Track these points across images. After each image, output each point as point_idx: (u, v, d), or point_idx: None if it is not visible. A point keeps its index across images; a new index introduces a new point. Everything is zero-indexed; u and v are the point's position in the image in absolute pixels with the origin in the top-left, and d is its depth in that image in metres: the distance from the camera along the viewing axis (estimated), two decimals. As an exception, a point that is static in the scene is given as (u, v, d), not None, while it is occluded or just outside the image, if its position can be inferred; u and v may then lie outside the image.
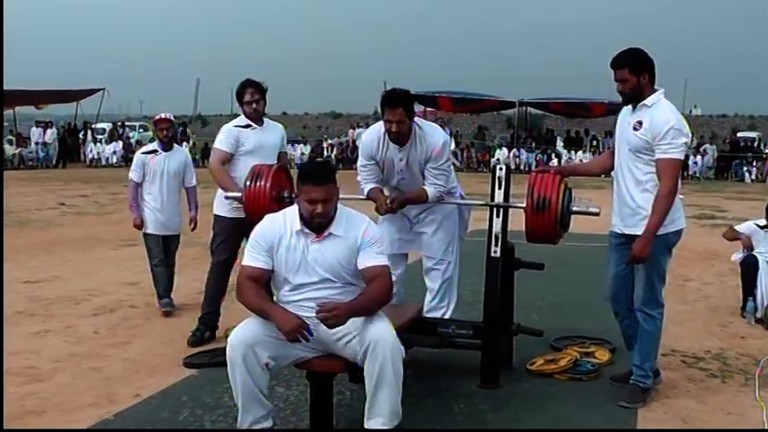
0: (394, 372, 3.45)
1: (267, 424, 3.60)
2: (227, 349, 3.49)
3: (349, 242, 3.63)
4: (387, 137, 4.66)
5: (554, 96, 33.48)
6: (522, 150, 30.54)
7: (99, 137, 31.49)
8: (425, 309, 4.95)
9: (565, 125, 40.01)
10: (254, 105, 5.41)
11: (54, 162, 28.70)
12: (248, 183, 4.77)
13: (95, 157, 29.73)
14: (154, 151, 6.46)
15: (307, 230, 3.61)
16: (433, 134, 4.71)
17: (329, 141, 32.88)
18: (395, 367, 3.45)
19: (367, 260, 3.63)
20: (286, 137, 5.89)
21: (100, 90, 31.54)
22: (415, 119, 4.67)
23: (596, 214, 4.50)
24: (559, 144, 31.89)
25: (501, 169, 4.64)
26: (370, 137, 4.78)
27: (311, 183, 3.55)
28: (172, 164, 6.47)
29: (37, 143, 28.98)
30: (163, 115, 6.51)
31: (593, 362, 5.00)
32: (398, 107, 4.52)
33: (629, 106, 4.37)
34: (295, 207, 3.71)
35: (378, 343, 3.43)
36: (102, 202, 15.77)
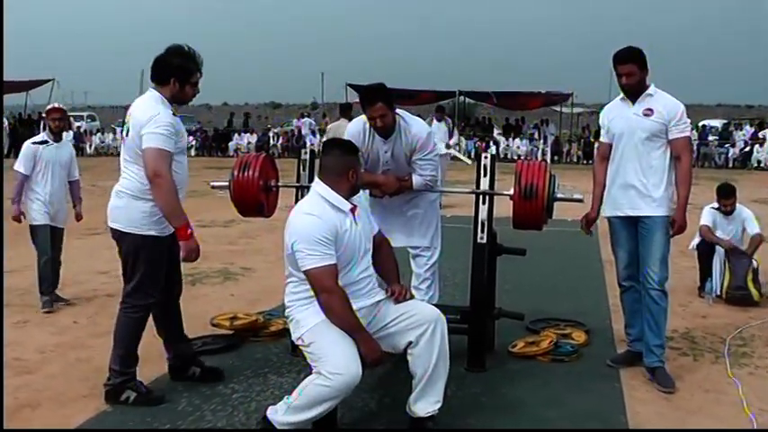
0: (448, 350, 3.65)
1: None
2: (336, 379, 3.29)
3: (364, 210, 3.80)
4: (372, 129, 4.73)
5: (492, 89, 34.15)
6: (462, 138, 31.12)
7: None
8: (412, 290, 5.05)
9: (496, 113, 40.80)
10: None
11: (6, 152, 27.94)
12: (235, 172, 4.78)
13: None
14: (44, 142, 6.31)
15: (351, 205, 3.67)
16: (416, 125, 4.78)
17: (275, 130, 32.86)
18: (448, 346, 3.66)
19: (374, 226, 3.87)
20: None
21: (49, 81, 30.70)
22: (398, 111, 4.75)
23: (580, 200, 4.67)
24: (496, 131, 32.67)
25: (486, 158, 4.76)
26: (355, 129, 4.83)
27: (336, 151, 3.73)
28: (62, 155, 6.35)
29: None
30: (55, 105, 6.44)
31: (572, 343, 5.19)
32: (377, 102, 4.58)
33: (622, 101, 4.68)
34: (324, 191, 3.62)
35: (437, 323, 3.60)
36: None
